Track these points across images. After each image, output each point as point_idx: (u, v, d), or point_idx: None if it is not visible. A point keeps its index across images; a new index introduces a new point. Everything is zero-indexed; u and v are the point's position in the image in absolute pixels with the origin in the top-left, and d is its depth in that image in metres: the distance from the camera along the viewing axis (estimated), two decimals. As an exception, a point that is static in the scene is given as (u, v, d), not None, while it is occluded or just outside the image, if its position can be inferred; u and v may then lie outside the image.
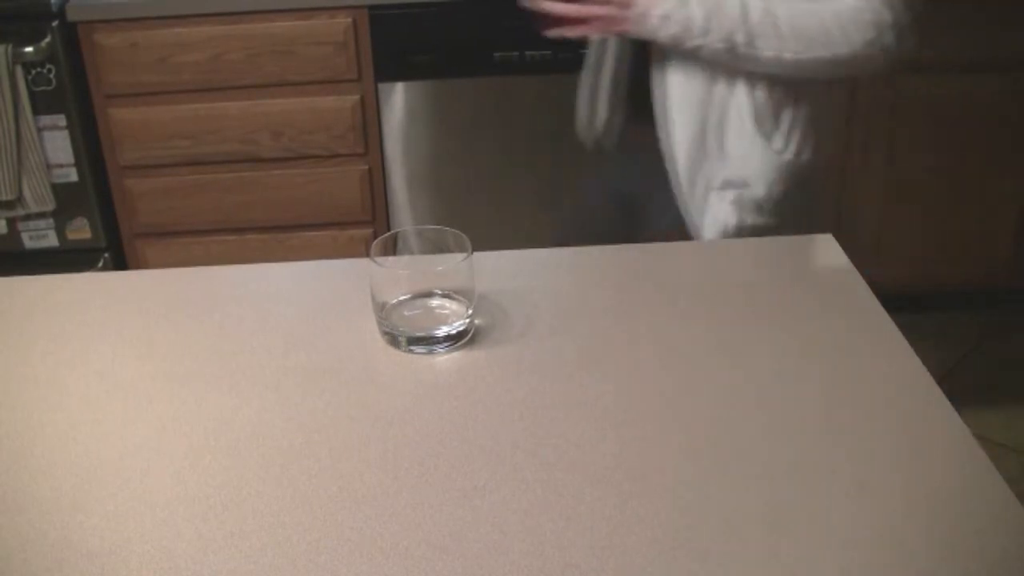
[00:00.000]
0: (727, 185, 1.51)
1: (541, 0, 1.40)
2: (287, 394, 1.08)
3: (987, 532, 0.88)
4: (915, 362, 1.11)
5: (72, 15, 2.42)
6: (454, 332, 1.14)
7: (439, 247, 1.18)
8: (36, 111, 2.45)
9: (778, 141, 1.50)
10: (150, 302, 1.26)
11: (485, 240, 1.24)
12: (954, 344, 2.89)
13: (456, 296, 1.16)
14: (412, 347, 1.14)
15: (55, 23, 2.40)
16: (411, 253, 1.18)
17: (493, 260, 1.31)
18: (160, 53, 2.43)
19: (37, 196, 2.51)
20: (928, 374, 1.09)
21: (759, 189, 1.51)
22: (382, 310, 1.15)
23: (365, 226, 2.60)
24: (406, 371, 1.12)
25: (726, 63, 1.40)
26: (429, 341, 1.14)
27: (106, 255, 2.64)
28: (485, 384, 1.10)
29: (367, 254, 1.14)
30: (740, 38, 1.36)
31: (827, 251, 1.34)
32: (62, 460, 0.99)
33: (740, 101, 1.46)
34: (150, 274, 1.37)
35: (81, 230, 2.59)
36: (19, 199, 2.51)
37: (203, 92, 2.47)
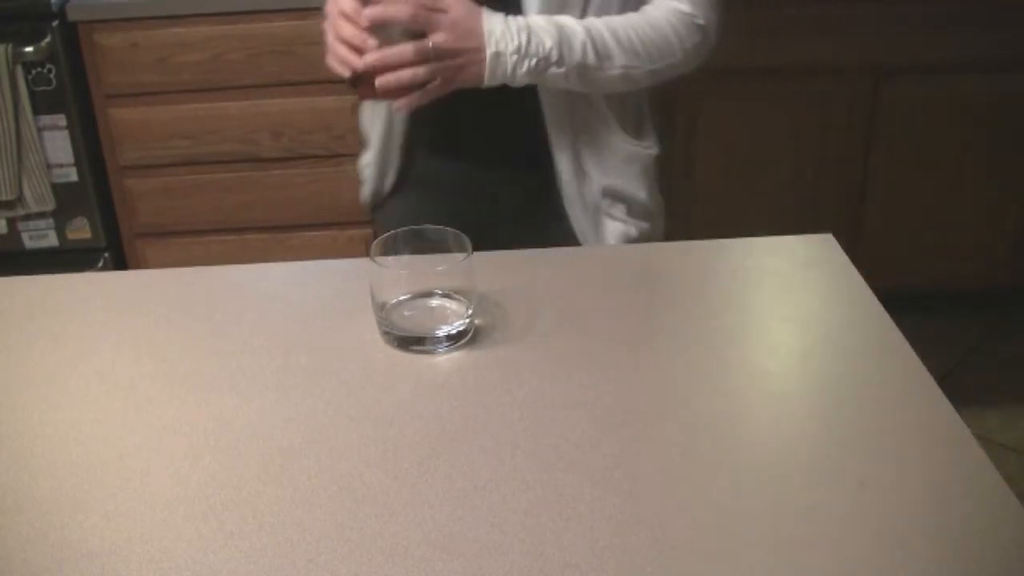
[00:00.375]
0: (613, 196, 1.49)
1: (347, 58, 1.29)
2: (287, 394, 1.08)
3: (987, 532, 0.88)
4: (915, 362, 1.11)
5: (72, 15, 2.43)
6: (454, 332, 1.14)
7: (439, 247, 1.18)
8: (36, 111, 2.45)
9: (645, 139, 1.52)
10: (150, 302, 1.26)
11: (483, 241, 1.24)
12: (954, 344, 2.89)
13: (456, 296, 1.16)
14: (412, 347, 1.14)
15: (55, 23, 2.40)
16: (411, 253, 1.18)
17: (493, 260, 1.31)
18: (160, 53, 2.43)
19: (37, 196, 2.51)
20: (928, 374, 1.09)
21: (641, 192, 1.51)
22: (382, 310, 1.15)
23: (365, 226, 2.60)
24: (406, 371, 1.12)
25: (577, 88, 1.36)
26: (429, 341, 1.14)
27: (106, 255, 2.64)
28: (485, 384, 1.10)
29: (367, 254, 1.14)
30: (591, 60, 1.32)
31: (827, 251, 1.34)
32: (62, 460, 0.99)
33: (603, 110, 1.45)
34: (150, 274, 1.37)
35: (81, 230, 2.59)
36: (19, 199, 2.52)
37: (203, 92, 2.47)
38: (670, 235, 2.71)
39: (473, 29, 1.27)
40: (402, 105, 1.29)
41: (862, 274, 1.28)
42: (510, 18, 1.30)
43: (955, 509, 0.91)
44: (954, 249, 2.85)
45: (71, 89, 2.46)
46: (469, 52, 1.27)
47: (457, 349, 1.15)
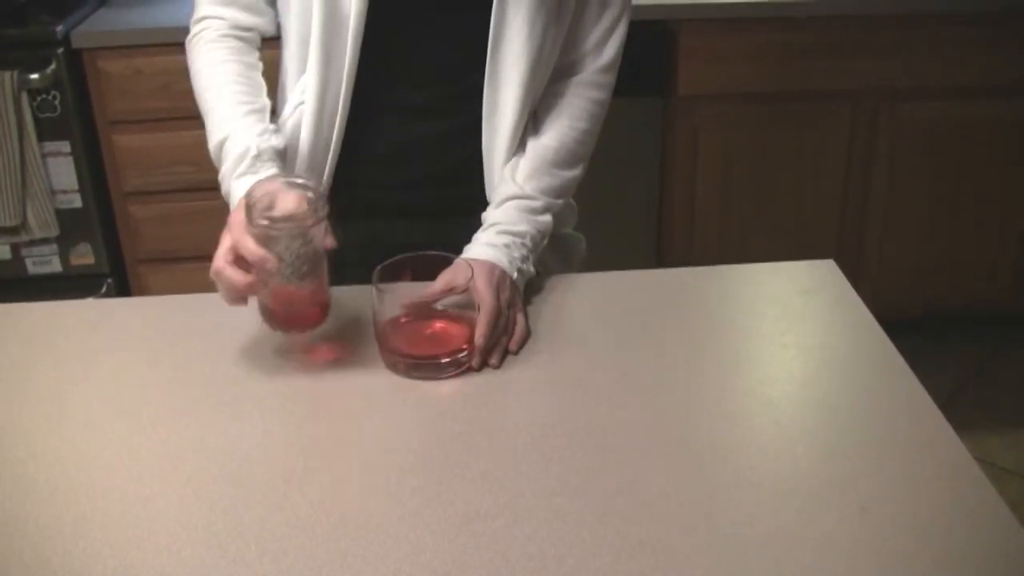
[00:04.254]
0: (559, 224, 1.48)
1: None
2: (289, 420, 1.09)
3: (989, 556, 0.88)
4: (916, 386, 1.11)
5: (77, 42, 2.44)
6: (459, 358, 1.15)
7: (441, 271, 1.18)
8: (41, 137, 2.46)
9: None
10: (153, 328, 1.26)
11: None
12: (957, 368, 2.89)
13: (459, 320, 1.16)
14: (414, 373, 1.14)
15: (60, 50, 2.41)
16: (412, 278, 1.18)
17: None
18: (163, 80, 2.44)
19: (41, 222, 2.52)
20: (930, 398, 1.09)
21: (572, 213, 1.53)
22: (384, 335, 1.16)
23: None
24: (407, 397, 1.12)
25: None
26: (432, 368, 1.14)
27: (109, 281, 2.64)
28: (486, 410, 1.10)
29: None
30: (557, 206, 1.36)
31: (828, 276, 1.34)
32: (64, 486, 0.99)
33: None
34: (152, 300, 1.38)
35: (84, 256, 2.60)
36: (23, 225, 2.52)
37: (206, 118, 2.48)
38: (672, 260, 2.74)
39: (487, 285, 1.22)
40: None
41: (864, 298, 1.29)
42: (489, 238, 1.28)
43: (957, 534, 0.91)
44: (956, 273, 2.85)
45: (75, 116, 2.47)
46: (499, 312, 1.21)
47: (459, 376, 1.15)
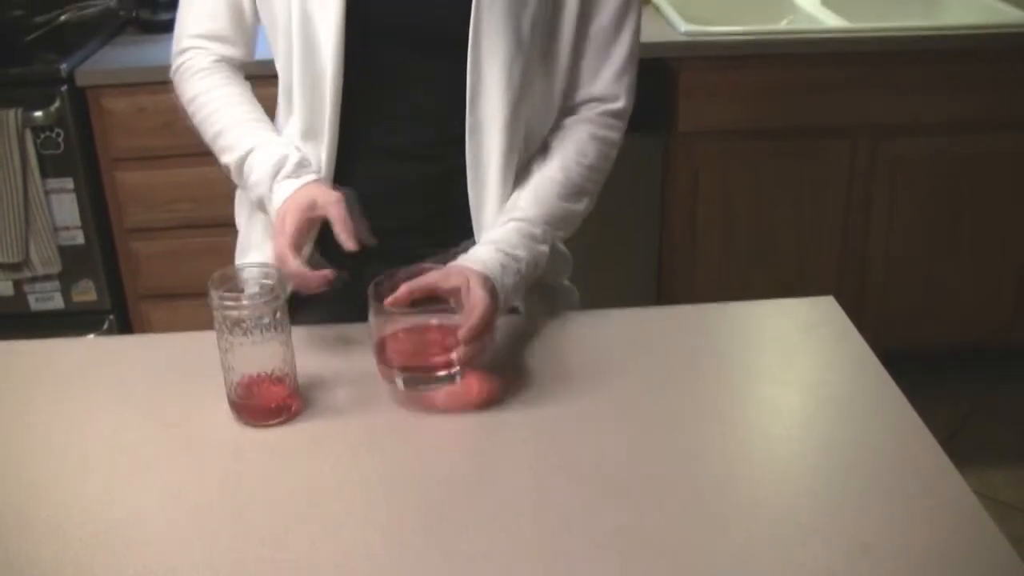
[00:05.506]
0: (552, 274, 1.47)
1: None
2: (291, 458, 1.09)
3: (992, 595, 0.88)
4: (917, 422, 1.11)
5: (81, 80, 2.46)
6: (451, 373, 1.15)
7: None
8: (44, 174, 2.47)
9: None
10: (154, 366, 1.27)
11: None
12: (959, 403, 2.88)
13: (453, 332, 1.15)
14: (408, 384, 1.15)
15: (64, 88, 2.43)
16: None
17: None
18: (166, 117, 2.46)
19: (43, 258, 2.53)
20: (930, 434, 1.09)
21: (567, 262, 1.52)
22: (380, 349, 1.16)
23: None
24: (409, 434, 1.12)
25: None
26: (427, 379, 1.15)
27: (111, 317, 2.64)
28: (488, 448, 1.10)
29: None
30: (554, 233, 1.35)
31: (829, 313, 1.34)
32: (65, 524, 0.99)
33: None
34: (154, 338, 1.38)
35: (86, 292, 2.60)
36: (25, 261, 2.53)
37: (208, 155, 2.47)
38: (672, 296, 2.74)
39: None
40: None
41: (865, 333, 1.29)
42: (487, 254, 1.27)
43: (959, 570, 0.91)
44: (956, 307, 2.86)
45: (78, 153, 2.48)
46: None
47: (457, 409, 1.15)
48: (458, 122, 1.31)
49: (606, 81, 1.37)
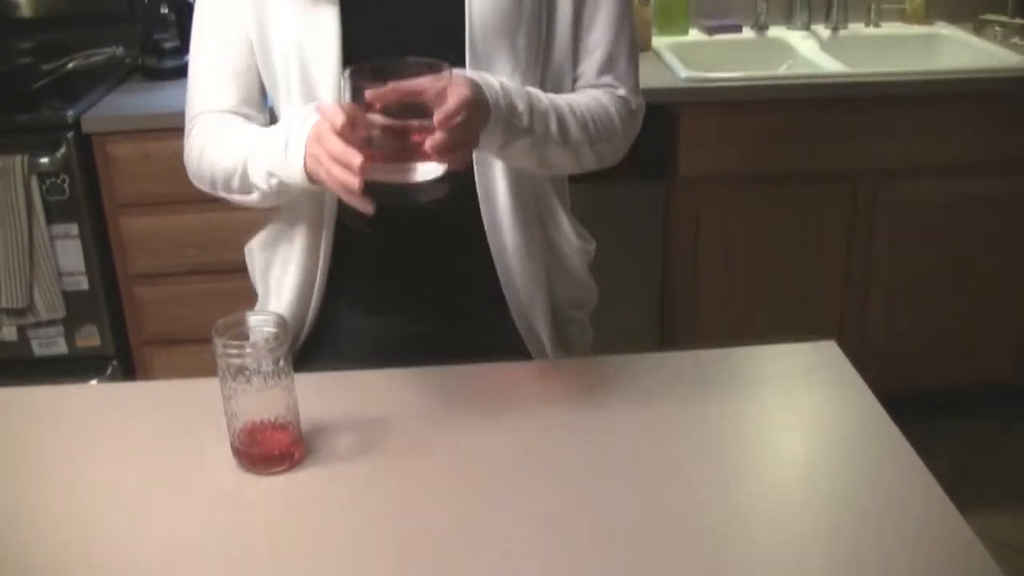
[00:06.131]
0: (574, 305, 1.50)
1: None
2: (294, 505, 1.08)
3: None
4: (919, 466, 1.11)
5: (87, 127, 2.48)
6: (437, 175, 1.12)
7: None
8: (49, 220, 2.48)
9: (586, 239, 1.51)
10: (157, 412, 1.27)
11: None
12: (964, 444, 2.87)
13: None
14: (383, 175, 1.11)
15: (70, 135, 2.45)
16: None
17: (492, 372, 1.32)
18: (171, 164, 2.46)
19: (48, 303, 2.53)
20: (933, 478, 1.09)
21: (592, 297, 1.53)
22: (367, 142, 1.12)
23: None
24: (413, 482, 1.12)
25: (529, 164, 1.31)
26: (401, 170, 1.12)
27: (114, 362, 2.65)
28: (492, 494, 1.10)
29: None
30: (554, 127, 1.28)
31: (830, 357, 1.35)
32: (67, 571, 0.99)
33: (560, 219, 1.45)
34: (157, 385, 1.38)
35: (90, 337, 2.61)
36: (30, 307, 2.54)
37: (212, 201, 2.48)
38: (675, 340, 2.74)
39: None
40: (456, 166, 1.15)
41: (868, 376, 1.29)
42: (486, 78, 1.23)
43: (964, 619, 0.90)
44: (960, 348, 2.85)
45: (84, 199, 2.50)
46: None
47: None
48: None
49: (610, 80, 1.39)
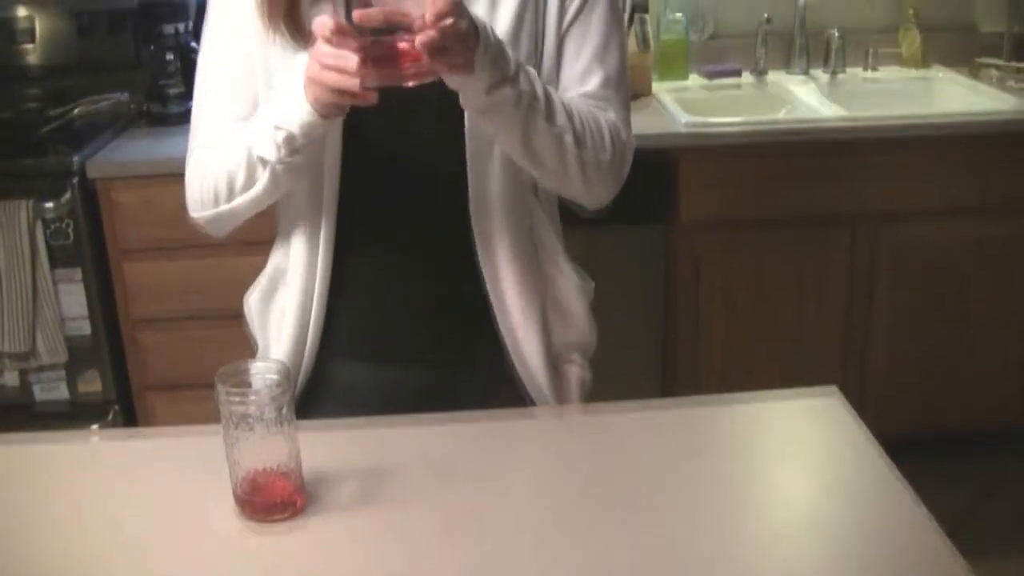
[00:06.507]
0: (573, 347, 1.48)
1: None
2: (296, 554, 1.08)
3: None
4: (923, 513, 1.11)
5: (92, 172, 2.50)
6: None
7: None
8: (53, 265, 2.49)
9: (584, 277, 1.50)
10: (159, 460, 1.27)
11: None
12: (968, 490, 2.85)
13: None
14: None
15: (75, 180, 2.47)
16: None
17: (491, 427, 1.32)
18: (175, 210, 2.45)
19: (50, 348, 2.54)
20: (936, 524, 1.09)
21: (591, 340, 1.51)
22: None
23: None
24: (415, 532, 1.12)
25: (512, 137, 1.27)
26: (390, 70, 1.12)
27: (116, 408, 2.64)
28: (495, 546, 1.09)
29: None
30: (540, 92, 1.26)
31: (831, 404, 1.35)
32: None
33: (557, 255, 1.44)
34: (158, 432, 1.38)
35: (92, 383, 2.61)
36: (32, 351, 2.54)
37: (215, 247, 2.50)
38: (677, 385, 2.74)
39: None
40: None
41: (870, 420, 1.29)
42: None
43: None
44: (963, 392, 2.85)
45: (87, 244, 2.51)
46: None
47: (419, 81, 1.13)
48: (460, 191, 1.34)
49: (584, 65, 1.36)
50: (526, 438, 1.30)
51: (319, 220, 1.36)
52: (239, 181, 1.32)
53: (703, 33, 3.16)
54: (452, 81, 1.18)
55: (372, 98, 1.14)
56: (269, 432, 1.11)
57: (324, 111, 1.20)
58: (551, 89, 1.29)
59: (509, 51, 1.22)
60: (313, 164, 1.33)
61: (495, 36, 1.20)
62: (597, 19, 1.35)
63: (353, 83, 1.12)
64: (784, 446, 1.28)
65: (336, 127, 1.31)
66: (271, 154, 1.26)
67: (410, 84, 1.14)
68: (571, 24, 1.34)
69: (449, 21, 1.10)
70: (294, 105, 1.21)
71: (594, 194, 1.37)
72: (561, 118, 1.28)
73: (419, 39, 1.09)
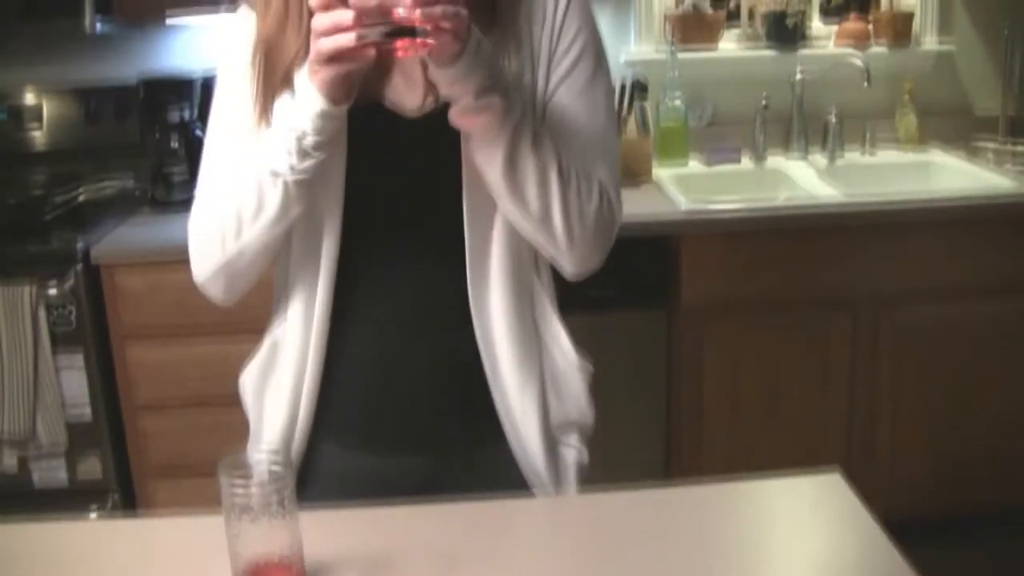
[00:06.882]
0: (571, 428, 1.47)
1: None
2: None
3: None
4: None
5: (96, 257, 2.51)
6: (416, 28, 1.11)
7: None
8: (55, 349, 2.50)
9: (583, 356, 1.48)
10: (159, 550, 1.26)
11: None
12: (976, 572, 2.82)
13: None
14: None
15: (79, 265, 2.48)
16: None
17: (483, 510, 1.31)
18: (178, 295, 2.50)
19: (50, 434, 2.53)
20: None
21: (590, 422, 1.49)
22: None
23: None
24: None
25: (498, 162, 1.25)
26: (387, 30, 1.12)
27: (115, 495, 2.62)
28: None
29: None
30: (529, 119, 1.26)
31: (835, 489, 1.34)
32: None
33: (556, 330, 1.44)
34: (158, 521, 1.37)
35: (91, 468, 2.59)
36: (32, 436, 2.53)
37: (218, 334, 2.51)
38: (680, 469, 2.72)
39: None
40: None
41: (875, 502, 1.28)
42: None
43: None
44: (968, 472, 2.83)
45: (90, 329, 2.52)
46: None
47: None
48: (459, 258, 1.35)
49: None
50: (526, 523, 1.28)
51: (314, 296, 1.36)
52: (248, 210, 1.29)
53: (702, 118, 3.20)
54: (443, 77, 1.19)
55: (370, 54, 1.14)
56: (271, 523, 1.10)
57: (331, 92, 1.19)
58: (541, 129, 1.29)
59: (504, 71, 1.24)
60: (312, 232, 1.33)
61: (490, 47, 1.21)
62: (587, 83, 1.35)
63: (348, 38, 1.11)
64: (787, 529, 1.27)
65: (336, 204, 1.32)
66: (283, 163, 1.24)
67: (399, 54, 1.15)
68: (559, 84, 1.35)
69: None
70: (301, 100, 1.21)
71: (577, 252, 1.34)
72: (548, 151, 1.27)
73: (419, 12, 1.09)
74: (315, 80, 1.18)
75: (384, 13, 1.11)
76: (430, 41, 1.12)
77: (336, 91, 1.19)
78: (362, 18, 1.11)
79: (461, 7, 1.14)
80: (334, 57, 1.14)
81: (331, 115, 1.20)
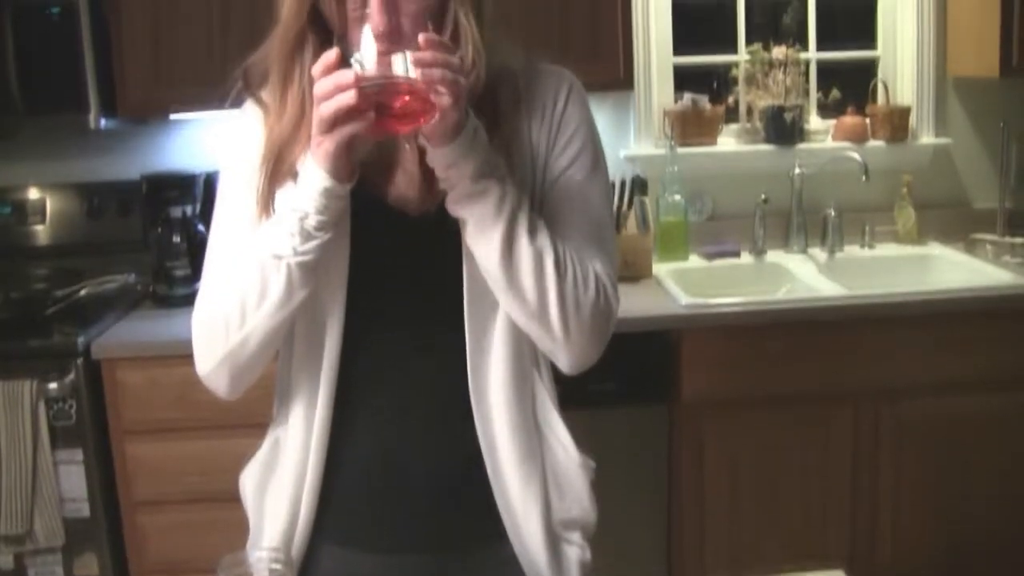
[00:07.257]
0: (572, 526, 1.44)
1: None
2: None
3: None
4: None
5: (96, 353, 2.51)
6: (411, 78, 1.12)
7: None
8: (55, 445, 2.48)
9: (586, 453, 1.46)
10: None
11: None
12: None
13: None
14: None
15: (80, 361, 2.48)
16: None
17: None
18: (179, 391, 2.49)
19: (48, 531, 2.50)
20: None
21: (592, 520, 1.47)
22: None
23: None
24: None
25: (496, 254, 1.26)
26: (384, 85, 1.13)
27: (113, 593, 2.59)
28: None
29: None
30: (525, 206, 1.27)
31: (840, 588, 1.32)
32: None
33: (556, 426, 1.43)
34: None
35: (88, 566, 2.56)
36: (29, 533, 2.50)
37: (219, 428, 2.50)
38: (682, 566, 2.68)
39: None
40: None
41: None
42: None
43: None
44: (972, 564, 2.79)
45: (90, 424, 2.51)
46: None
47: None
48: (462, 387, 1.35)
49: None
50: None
51: (316, 398, 1.36)
52: (252, 297, 1.28)
53: (702, 214, 3.23)
54: (440, 159, 1.20)
55: (369, 118, 1.14)
56: (268, 624, 1.08)
57: (334, 165, 1.19)
58: (537, 216, 1.29)
59: (500, 159, 1.25)
60: (315, 331, 1.34)
61: (486, 136, 1.23)
62: (585, 177, 1.37)
63: (350, 95, 1.12)
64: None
65: (339, 303, 1.32)
66: (286, 245, 1.23)
67: (399, 130, 1.16)
68: (557, 178, 1.36)
69: (443, 52, 1.13)
70: (304, 181, 1.21)
71: (574, 344, 1.32)
72: (544, 241, 1.27)
73: (421, 37, 1.11)
74: (319, 154, 1.18)
75: (384, 73, 1.13)
76: (429, 111, 1.13)
77: (339, 165, 1.19)
78: (362, 79, 1.12)
79: (460, 76, 1.15)
80: (337, 121, 1.14)
81: (334, 193, 1.20)
